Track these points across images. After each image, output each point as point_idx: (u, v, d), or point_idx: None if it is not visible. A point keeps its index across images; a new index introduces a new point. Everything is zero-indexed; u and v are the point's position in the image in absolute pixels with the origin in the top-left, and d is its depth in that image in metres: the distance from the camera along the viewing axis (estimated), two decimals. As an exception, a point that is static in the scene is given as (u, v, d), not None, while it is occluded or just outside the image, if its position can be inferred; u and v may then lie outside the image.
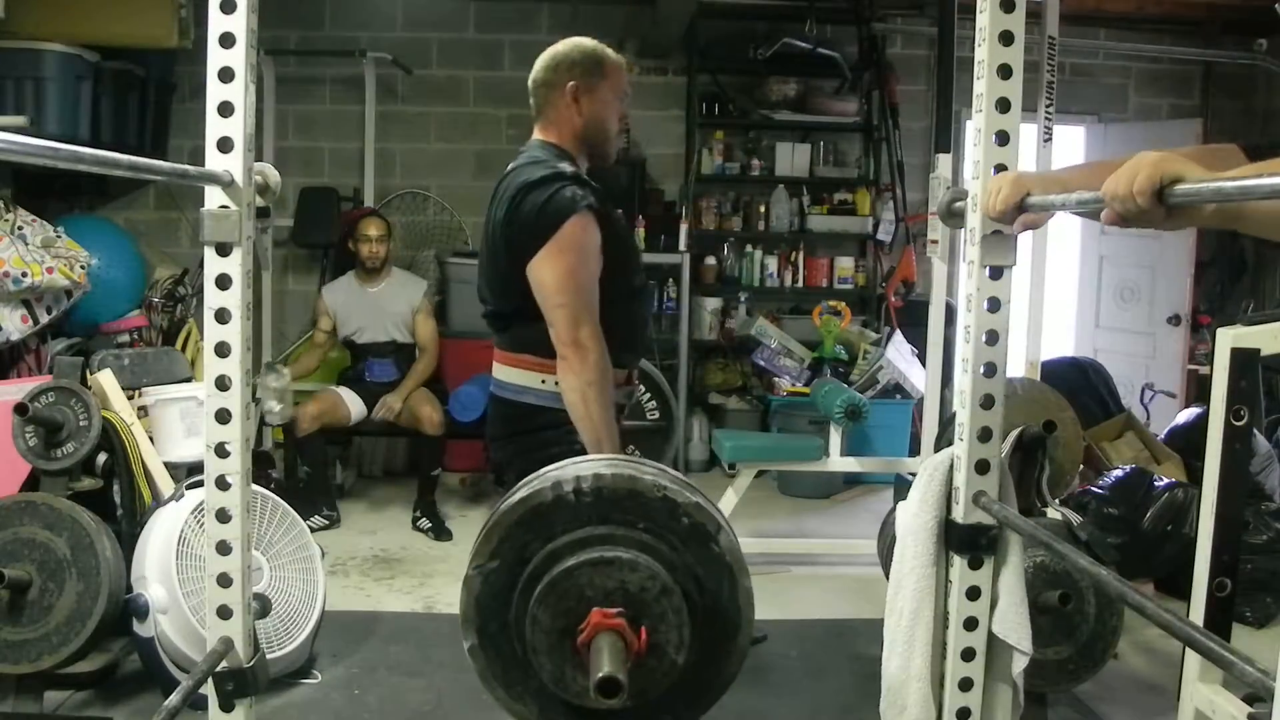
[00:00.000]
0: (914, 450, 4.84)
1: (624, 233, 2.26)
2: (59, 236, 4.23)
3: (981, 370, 1.73)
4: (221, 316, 1.63)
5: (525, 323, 2.10)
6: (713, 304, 5.99)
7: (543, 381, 2.10)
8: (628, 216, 5.66)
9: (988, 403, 1.73)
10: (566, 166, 2.11)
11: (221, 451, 1.64)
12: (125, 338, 4.86)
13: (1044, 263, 3.66)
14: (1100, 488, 3.80)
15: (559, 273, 2.00)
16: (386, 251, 4.81)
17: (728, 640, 1.39)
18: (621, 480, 1.36)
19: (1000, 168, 1.68)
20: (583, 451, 2.02)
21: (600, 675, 1.20)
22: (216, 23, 1.59)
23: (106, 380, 3.20)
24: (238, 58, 1.59)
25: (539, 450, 2.02)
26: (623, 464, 1.39)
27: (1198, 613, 2.12)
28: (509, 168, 2.18)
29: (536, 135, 2.23)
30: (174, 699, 1.48)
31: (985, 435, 1.74)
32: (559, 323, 2.01)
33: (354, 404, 4.70)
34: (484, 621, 1.37)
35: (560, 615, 1.30)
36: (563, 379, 2.02)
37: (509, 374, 2.17)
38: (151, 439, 3.28)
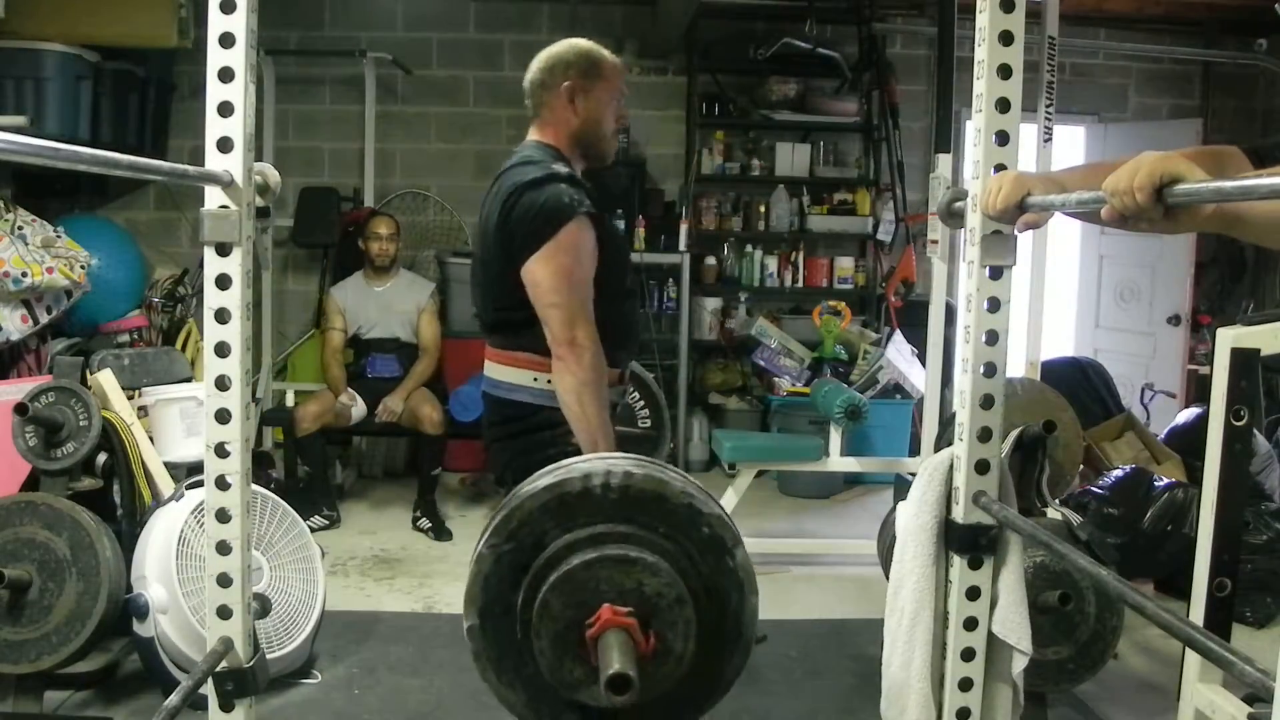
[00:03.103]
0: (914, 450, 4.84)
1: (616, 234, 2.28)
2: (59, 236, 4.22)
3: (981, 370, 1.73)
4: (221, 316, 1.63)
5: (519, 322, 2.10)
6: (713, 304, 5.99)
7: (535, 380, 2.10)
8: (628, 216, 5.67)
9: (988, 403, 1.73)
10: (561, 168, 2.11)
11: (221, 451, 1.64)
12: (125, 338, 4.86)
13: (1044, 263, 3.66)
14: (1100, 488, 3.80)
15: (554, 273, 2.01)
16: (396, 250, 4.86)
17: (728, 654, 1.39)
18: (650, 482, 1.35)
19: (1000, 168, 1.68)
20: (578, 452, 2.01)
21: (612, 671, 1.19)
22: (216, 23, 1.59)
23: (106, 380, 3.20)
24: (238, 58, 1.59)
25: (537, 451, 2.03)
26: (652, 467, 1.39)
27: (1198, 613, 2.12)
28: (504, 167, 2.19)
29: (532, 136, 2.24)
30: (174, 699, 1.48)
31: (985, 435, 1.74)
32: (553, 322, 2.01)
33: (355, 404, 4.70)
34: (488, 602, 1.36)
35: (572, 606, 1.29)
36: (558, 379, 2.02)
37: (502, 372, 2.17)
38: (151, 439, 3.28)
